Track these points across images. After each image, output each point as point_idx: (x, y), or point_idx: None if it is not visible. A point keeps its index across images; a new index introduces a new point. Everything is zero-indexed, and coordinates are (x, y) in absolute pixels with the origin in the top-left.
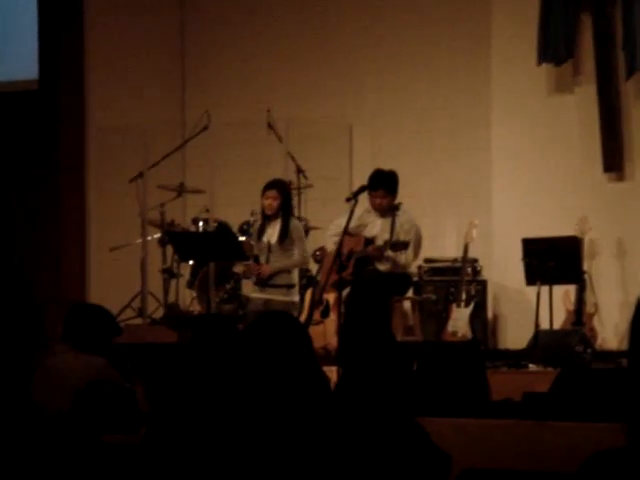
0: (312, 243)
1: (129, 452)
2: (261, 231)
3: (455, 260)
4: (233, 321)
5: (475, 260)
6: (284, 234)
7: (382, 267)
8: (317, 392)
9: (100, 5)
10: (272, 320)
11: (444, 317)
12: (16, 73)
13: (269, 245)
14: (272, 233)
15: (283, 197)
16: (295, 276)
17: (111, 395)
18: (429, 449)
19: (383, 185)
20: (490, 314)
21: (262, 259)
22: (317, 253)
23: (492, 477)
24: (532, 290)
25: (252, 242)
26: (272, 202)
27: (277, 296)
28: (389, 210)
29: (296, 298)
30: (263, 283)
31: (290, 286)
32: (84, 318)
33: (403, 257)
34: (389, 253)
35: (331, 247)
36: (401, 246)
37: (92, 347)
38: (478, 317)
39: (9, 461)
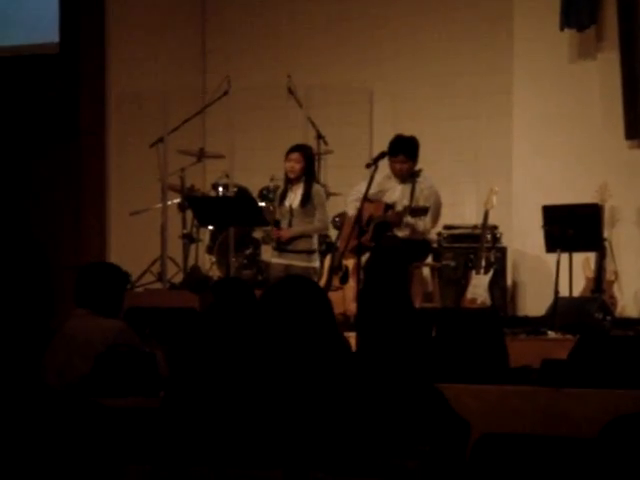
0: (332, 209)
1: (148, 415)
2: (283, 195)
3: (475, 227)
4: (251, 286)
5: (495, 227)
6: (306, 198)
7: (401, 233)
8: (337, 356)
9: None
10: (293, 284)
11: (463, 284)
12: (36, 36)
13: (291, 209)
14: (294, 197)
15: (306, 161)
16: (315, 242)
17: (131, 359)
18: (448, 415)
19: (403, 150)
20: (509, 281)
21: (284, 223)
22: (336, 219)
23: (512, 442)
24: (552, 257)
25: (272, 207)
26: (295, 165)
27: (297, 262)
28: (409, 176)
29: (316, 264)
30: (283, 248)
31: (310, 252)
32: (93, 277)
33: (422, 223)
34: (408, 219)
35: (352, 212)
36: (420, 211)
37: (106, 305)
38: (497, 284)
39: (15, 437)
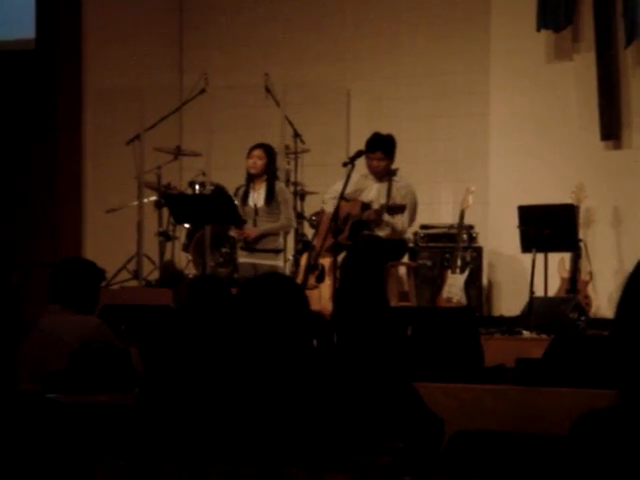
0: (309, 208)
1: (123, 411)
2: (246, 195)
3: (451, 226)
4: (226, 284)
5: (471, 227)
6: (270, 196)
7: (381, 232)
8: (312, 354)
9: None
10: (271, 281)
11: (439, 283)
12: (12, 32)
13: (256, 208)
14: (258, 197)
15: (268, 157)
16: (281, 241)
17: (105, 355)
18: (422, 412)
19: (381, 147)
20: (485, 281)
21: (249, 223)
22: (313, 218)
23: (486, 438)
24: (527, 257)
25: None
26: (257, 161)
27: (264, 260)
28: (386, 174)
29: (281, 263)
30: (251, 247)
31: (277, 251)
32: (67, 273)
33: (400, 221)
34: (386, 217)
35: (330, 209)
36: (398, 209)
37: (81, 301)
38: (473, 284)
39: None
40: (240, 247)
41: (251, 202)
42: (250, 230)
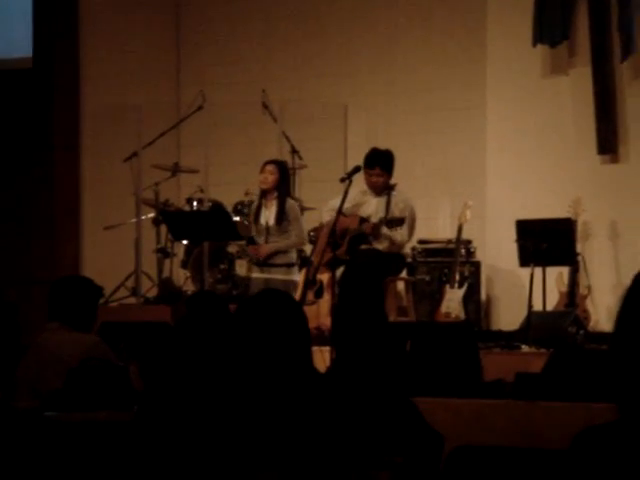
0: (307, 224)
1: (121, 429)
2: (258, 212)
3: (449, 241)
4: (225, 300)
5: (469, 241)
6: (281, 215)
7: (380, 246)
8: (311, 369)
9: None
10: (269, 297)
11: (437, 298)
12: (9, 50)
13: (267, 226)
14: (269, 215)
15: (280, 173)
16: (295, 255)
17: (104, 373)
18: (422, 427)
19: (379, 163)
20: (483, 295)
21: (260, 240)
22: (311, 234)
23: (485, 454)
24: (525, 272)
25: (247, 221)
26: (269, 176)
27: (277, 275)
28: (384, 189)
29: (296, 277)
30: (262, 263)
31: (290, 265)
32: (65, 291)
33: (399, 235)
34: (385, 230)
35: (327, 219)
36: (396, 222)
37: (79, 319)
38: (471, 298)
39: None
40: (252, 262)
41: (262, 220)
42: (262, 247)
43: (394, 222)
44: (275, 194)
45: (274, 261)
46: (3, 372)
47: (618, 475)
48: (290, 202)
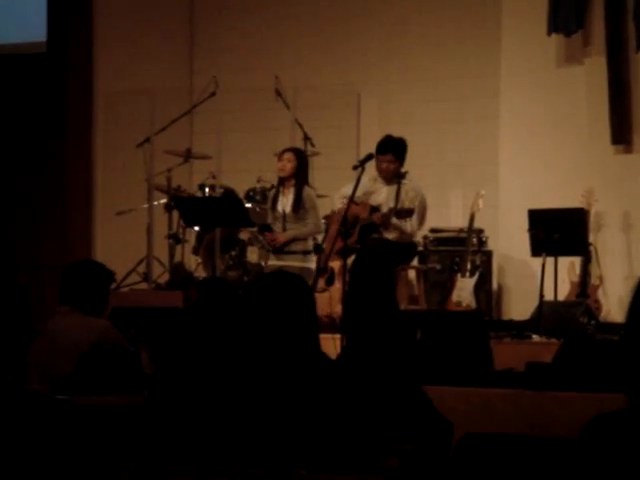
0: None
1: (132, 413)
2: (275, 199)
3: (461, 230)
4: (236, 287)
5: (481, 230)
6: (297, 203)
7: (389, 235)
8: (321, 355)
9: None
10: (277, 279)
11: (448, 287)
12: (24, 35)
13: (284, 214)
14: (286, 202)
15: (298, 161)
16: (311, 243)
17: (115, 357)
18: (431, 415)
19: (392, 150)
20: (495, 285)
21: (277, 227)
22: (323, 221)
23: (494, 442)
24: (537, 261)
25: (258, 209)
26: (287, 164)
27: (293, 262)
28: (395, 177)
29: (312, 265)
30: (278, 250)
31: (306, 252)
32: (77, 275)
33: (409, 225)
34: (394, 220)
35: (339, 206)
36: (405, 213)
37: (91, 303)
38: (482, 287)
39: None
40: (267, 250)
41: (280, 207)
42: (279, 235)
43: (403, 213)
44: (293, 182)
45: (290, 248)
46: (14, 356)
47: (629, 463)
48: (307, 190)
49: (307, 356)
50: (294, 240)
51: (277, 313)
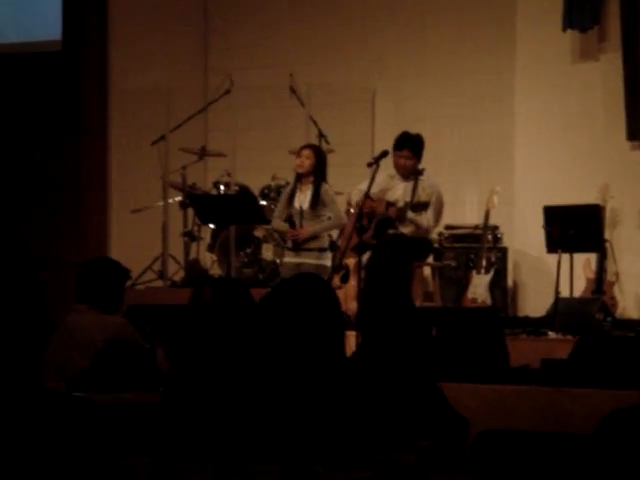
0: None
1: (148, 410)
2: (292, 195)
3: (476, 227)
4: (248, 285)
5: (496, 227)
6: (316, 199)
7: (405, 230)
8: (339, 353)
9: None
10: (303, 281)
11: (464, 284)
12: (39, 34)
13: (301, 210)
14: (303, 199)
15: (317, 158)
16: (327, 240)
17: (130, 354)
18: (447, 412)
19: (409, 145)
20: (510, 281)
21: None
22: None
23: (510, 438)
24: (553, 258)
25: (272, 207)
26: (305, 160)
27: (309, 259)
28: (412, 174)
29: (328, 262)
30: (296, 247)
31: (322, 249)
32: (93, 273)
33: (424, 219)
34: (410, 214)
35: (356, 199)
36: (421, 207)
37: (106, 301)
38: (498, 284)
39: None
40: (287, 247)
41: (297, 204)
42: (302, 230)
43: (419, 206)
44: (311, 178)
45: (307, 245)
46: (31, 353)
47: None
48: (325, 186)
49: (330, 357)
50: (316, 236)
51: (303, 315)
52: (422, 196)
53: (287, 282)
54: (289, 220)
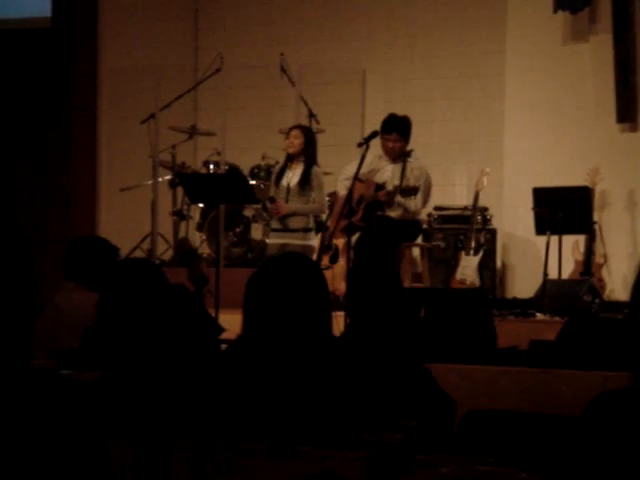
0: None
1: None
2: (280, 174)
3: (465, 208)
4: (157, 267)
5: (485, 208)
6: (305, 179)
7: (393, 213)
8: (327, 333)
9: None
10: (289, 261)
11: (453, 265)
12: (28, 10)
13: (288, 187)
14: (292, 176)
15: (306, 138)
16: (312, 220)
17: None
18: (435, 392)
19: (397, 128)
20: (499, 263)
21: (280, 201)
22: (327, 199)
23: (498, 418)
24: (541, 240)
25: (263, 185)
26: (294, 140)
27: (294, 240)
28: (400, 156)
29: (313, 242)
30: (279, 227)
31: (307, 230)
32: (82, 251)
33: (413, 203)
34: (399, 198)
35: (343, 192)
36: (410, 191)
37: (95, 279)
38: (487, 265)
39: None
40: (270, 228)
41: (284, 181)
42: (284, 206)
43: (408, 191)
44: (302, 159)
45: (291, 225)
46: (19, 331)
47: (632, 441)
48: (316, 169)
49: (317, 336)
50: (295, 214)
51: (289, 294)
52: (411, 178)
53: (273, 261)
54: (271, 198)
